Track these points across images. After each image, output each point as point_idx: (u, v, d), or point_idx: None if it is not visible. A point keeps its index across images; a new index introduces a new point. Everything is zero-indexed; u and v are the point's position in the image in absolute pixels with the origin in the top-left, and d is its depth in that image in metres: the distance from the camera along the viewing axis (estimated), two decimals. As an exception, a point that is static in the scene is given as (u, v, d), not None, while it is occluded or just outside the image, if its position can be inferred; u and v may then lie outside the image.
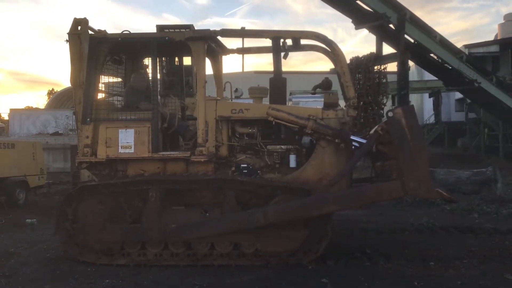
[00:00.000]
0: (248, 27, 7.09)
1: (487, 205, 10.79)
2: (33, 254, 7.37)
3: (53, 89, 57.97)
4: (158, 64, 7.43)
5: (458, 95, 24.08)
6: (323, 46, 7.40)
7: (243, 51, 9.01)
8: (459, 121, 27.68)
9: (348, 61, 9.33)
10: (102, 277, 6.14)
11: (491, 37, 27.12)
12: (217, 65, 8.36)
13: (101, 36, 7.12)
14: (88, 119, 6.97)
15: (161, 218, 6.69)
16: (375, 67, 12.61)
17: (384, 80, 12.45)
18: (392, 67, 13.60)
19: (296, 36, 7.46)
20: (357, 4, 13.19)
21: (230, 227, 6.53)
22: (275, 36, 7.28)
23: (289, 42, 7.54)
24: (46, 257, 7.20)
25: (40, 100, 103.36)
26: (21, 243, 8.13)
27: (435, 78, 17.40)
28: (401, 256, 6.76)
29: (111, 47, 7.19)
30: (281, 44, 7.38)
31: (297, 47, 7.74)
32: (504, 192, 12.00)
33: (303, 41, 7.68)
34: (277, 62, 7.40)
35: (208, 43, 7.15)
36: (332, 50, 7.13)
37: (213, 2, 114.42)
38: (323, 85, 15.88)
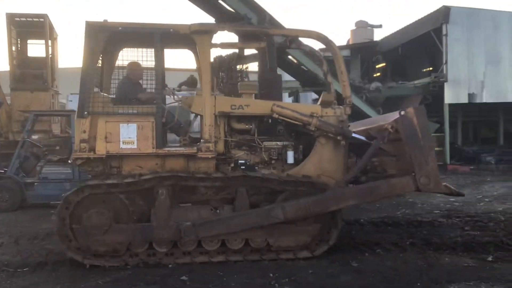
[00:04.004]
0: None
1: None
2: None
3: None
4: (162, 56, 7.03)
5: (315, 95, 25.59)
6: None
7: (228, 46, 8.86)
8: (316, 119, 29.35)
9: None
10: None
11: (343, 42, 29.19)
12: None
13: (100, 24, 6.59)
14: (85, 112, 6.44)
15: (171, 216, 6.46)
16: (238, 66, 12.90)
17: (246, 79, 12.80)
18: (253, 67, 14.04)
19: (299, 34, 7.56)
20: (220, 4, 13.40)
21: (250, 223, 6.48)
22: (280, 33, 7.41)
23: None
24: None
25: None
26: None
27: (294, 79, 18.33)
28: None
29: (109, 36, 6.69)
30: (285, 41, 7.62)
31: (291, 45, 7.93)
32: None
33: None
34: (271, 59, 7.54)
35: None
36: (330, 50, 7.30)
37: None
38: (188, 82, 15.86)
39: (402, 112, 6.46)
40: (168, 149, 6.75)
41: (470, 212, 9.89)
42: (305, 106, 7.44)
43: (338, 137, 6.89)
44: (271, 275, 5.96)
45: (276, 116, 6.89)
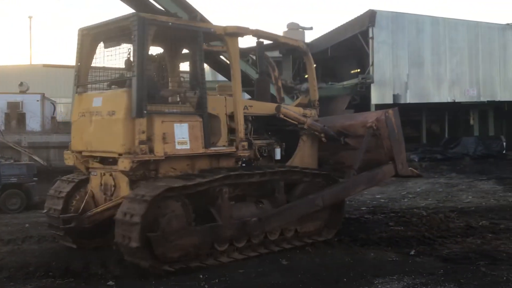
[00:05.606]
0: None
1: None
2: None
3: None
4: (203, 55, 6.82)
5: (247, 95, 25.74)
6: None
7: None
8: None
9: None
10: None
11: (276, 43, 29.51)
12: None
13: (151, 17, 6.27)
14: (145, 111, 6.03)
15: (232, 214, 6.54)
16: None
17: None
18: (184, 67, 13.90)
19: (287, 42, 8.67)
20: (150, 3, 13.20)
21: (300, 212, 7.10)
22: (285, 43, 8.55)
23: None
24: None
25: None
26: None
27: (226, 79, 18.34)
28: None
29: (157, 31, 6.32)
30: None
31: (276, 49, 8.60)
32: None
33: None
34: (261, 63, 8.10)
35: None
36: (307, 58, 8.43)
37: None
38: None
39: (387, 114, 7.77)
40: (215, 149, 6.72)
41: (394, 208, 10.32)
42: (296, 108, 8.03)
43: (322, 135, 7.82)
44: (201, 276, 5.91)
45: (282, 116, 7.50)
